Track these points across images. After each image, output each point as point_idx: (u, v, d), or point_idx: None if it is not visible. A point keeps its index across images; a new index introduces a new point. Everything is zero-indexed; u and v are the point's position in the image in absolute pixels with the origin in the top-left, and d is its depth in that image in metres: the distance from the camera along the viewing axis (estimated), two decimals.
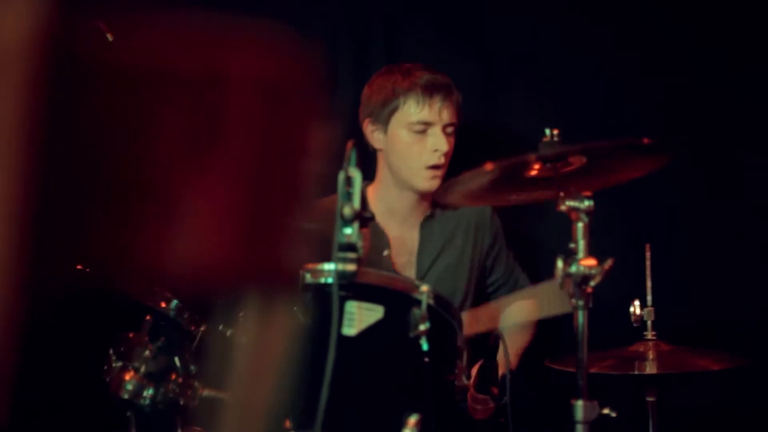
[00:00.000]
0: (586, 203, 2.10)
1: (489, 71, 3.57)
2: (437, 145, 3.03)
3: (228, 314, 2.24)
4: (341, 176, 1.98)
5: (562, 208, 2.11)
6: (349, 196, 1.98)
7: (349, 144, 2.01)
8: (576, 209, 2.10)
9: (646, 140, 2.11)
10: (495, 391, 2.43)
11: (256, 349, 2.10)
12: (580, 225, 2.10)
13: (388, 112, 3.07)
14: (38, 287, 1.59)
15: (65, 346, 2.26)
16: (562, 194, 2.10)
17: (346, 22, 3.57)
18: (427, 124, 3.04)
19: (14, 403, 1.65)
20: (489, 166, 2.11)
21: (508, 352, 2.43)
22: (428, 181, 3.06)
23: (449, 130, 3.07)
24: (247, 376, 2.12)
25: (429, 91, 3.04)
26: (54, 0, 1.54)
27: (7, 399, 1.64)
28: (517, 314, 3.25)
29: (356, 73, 3.52)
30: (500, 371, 2.53)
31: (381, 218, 3.16)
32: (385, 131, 3.10)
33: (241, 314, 2.24)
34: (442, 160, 3.04)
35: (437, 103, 3.04)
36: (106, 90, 1.61)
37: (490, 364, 2.48)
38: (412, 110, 3.04)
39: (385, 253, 3.12)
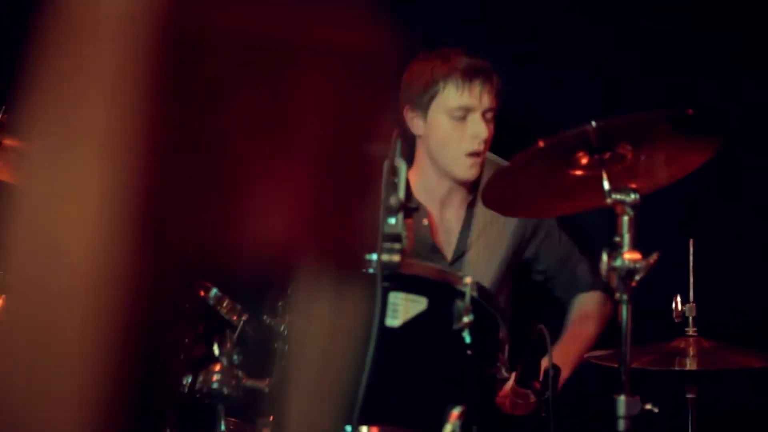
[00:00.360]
0: (633, 196, 2.08)
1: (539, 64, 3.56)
2: (477, 131, 3.01)
3: (273, 304, 2.24)
4: (386, 166, 1.97)
5: (608, 201, 2.09)
6: (394, 187, 1.97)
7: (395, 133, 2.00)
8: (622, 202, 2.08)
9: (689, 111, 2.09)
10: (537, 386, 2.41)
11: (327, 340, 2.08)
12: (626, 218, 2.08)
13: (428, 98, 3.05)
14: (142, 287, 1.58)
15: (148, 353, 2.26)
16: (608, 186, 2.09)
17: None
18: (468, 110, 3.02)
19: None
20: (541, 143, 2.10)
21: (551, 348, 2.40)
22: (468, 170, 3.05)
23: (489, 115, 3.05)
24: (291, 365, 2.11)
25: (469, 75, 3.01)
26: None
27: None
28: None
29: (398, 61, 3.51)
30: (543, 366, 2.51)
31: (420, 197, 3.14)
32: (425, 118, 3.08)
33: (280, 303, 2.23)
34: (482, 147, 3.03)
35: (477, 87, 3.01)
36: (203, 64, 1.59)
37: (533, 359, 2.46)
38: (452, 95, 3.02)
39: (425, 222, 3.11)
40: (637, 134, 2.17)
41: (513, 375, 2.39)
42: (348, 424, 1.93)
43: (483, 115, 3.03)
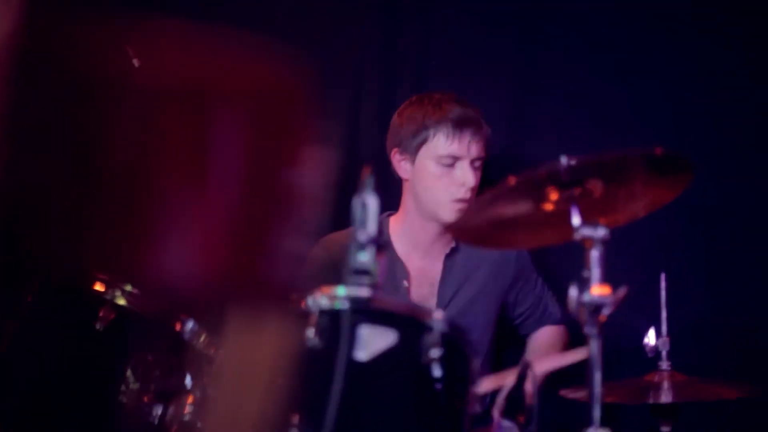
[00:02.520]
0: (601, 232, 2.10)
1: (514, 104, 3.60)
2: (465, 179, 3.05)
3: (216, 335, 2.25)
4: (357, 202, 1.99)
5: (577, 236, 2.12)
6: (363, 222, 1.99)
7: (366, 170, 2.02)
8: (591, 238, 2.11)
9: (658, 150, 2.12)
10: (521, 419, 2.42)
11: (240, 371, 2.10)
12: (595, 253, 2.10)
13: (417, 144, 3.09)
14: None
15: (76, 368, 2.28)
16: (577, 222, 2.11)
17: (374, 53, 3.61)
18: (456, 158, 3.05)
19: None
20: (512, 180, 2.12)
21: (536, 382, 2.42)
22: (454, 214, 3.07)
23: (477, 164, 3.09)
24: (232, 397, 2.12)
25: (459, 125, 3.05)
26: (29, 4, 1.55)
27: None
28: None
29: (382, 102, 3.55)
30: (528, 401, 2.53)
31: (404, 249, 3.18)
32: (413, 162, 3.11)
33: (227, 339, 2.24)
34: (468, 195, 3.05)
35: (467, 137, 3.05)
36: (108, 103, 1.63)
37: (518, 392, 2.47)
38: (442, 143, 3.05)
39: (405, 284, 3.13)
40: (607, 171, 2.19)
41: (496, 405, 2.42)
42: None
43: (471, 163, 3.06)
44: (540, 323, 3.34)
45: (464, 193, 3.05)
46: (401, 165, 3.15)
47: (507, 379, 3.01)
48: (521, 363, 2.43)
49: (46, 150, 1.59)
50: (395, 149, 3.15)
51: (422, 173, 3.10)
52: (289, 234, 1.93)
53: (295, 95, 1.85)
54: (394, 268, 3.14)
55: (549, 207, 2.24)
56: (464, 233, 2.53)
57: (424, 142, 3.08)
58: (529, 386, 2.46)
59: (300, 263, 1.99)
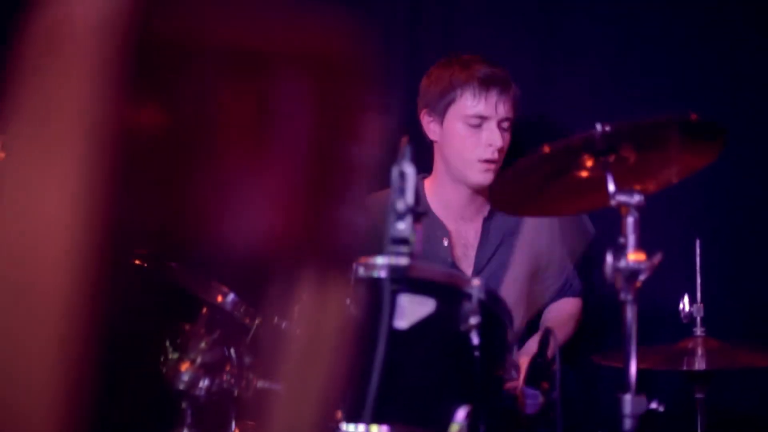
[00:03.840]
0: (636, 198, 2.11)
1: (543, 66, 3.59)
2: (492, 139, 3.05)
3: (283, 306, 2.28)
4: (395, 171, 2.01)
5: (613, 203, 2.13)
6: (402, 191, 2.01)
7: (404, 139, 2.04)
8: (626, 204, 2.12)
9: (693, 116, 2.12)
10: (545, 385, 2.44)
11: (309, 339, 2.13)
12: (630, 220, 2.11)
13: (445, 104, 3.10)
14: (111, 282, 1.63)
15: (124, 339, 2.31)
16: (612, 188, 2.13)
17: (402, 14, 3.61)
18: (483, 118, 3.06)
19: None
20: (547, 149, 2.13)
21: (558, 350, 2.44)
22: (481, 174, 3.09)
23: (505, 125, 3.09)
24: (300, 366, 2.15)
25: (486, 84, 3.05)
26: None
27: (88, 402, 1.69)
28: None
29: (410, 64, 3.56)
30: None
31: (440, 210, 3.19)
32: (441, 123, 3.12)
33: (296, 307, 2.28)
34: (495, 155, 3.07)
35: (494, 96, 3.06)
36: (176, 71, 1.65)
37: (541, 360, 2.49)
38: (469, 103, 3.06)
39: (445, 242, 3.15)
40: (640, 138, 2.20)
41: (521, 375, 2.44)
42: (358, 422, 1.97)
43: (499, 124, 3.07)
44: (561, 294, 3.34)
45: (491, 153, 3.06)
46: (430, 127, 3.16)
47: (529, 347, 3.05)
48: (543, 330, 2.44)
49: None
50: (424, 110, 3.16)
51: (450, 134, 3.11)
52: (348, 203, 1.95)
53: (356, 64, 1.87)
54: (434, 228, 3.15)
55: (584, 174, 2.25)
56: (500, 201, 2.54)
57: (451, 102, 3.09)
58: (551, 353, 2.49)
59: (358, 233, 2.01)
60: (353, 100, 1.92)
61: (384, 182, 2.03)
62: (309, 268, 2.06)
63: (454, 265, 3.14)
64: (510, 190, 2.38)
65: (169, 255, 2.30)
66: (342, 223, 1.98)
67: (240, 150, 1.72)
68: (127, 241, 1.83)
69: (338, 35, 1.89)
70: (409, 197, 1.99)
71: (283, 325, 2.32)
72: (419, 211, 2.00)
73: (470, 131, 3.07)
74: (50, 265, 1.58)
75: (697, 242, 2.78)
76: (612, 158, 2.20)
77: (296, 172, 1.82)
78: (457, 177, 3.15)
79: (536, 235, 3.25)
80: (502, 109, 3.07)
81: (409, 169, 2.00)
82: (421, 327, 2.03)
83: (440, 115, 3.12)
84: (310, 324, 2.11)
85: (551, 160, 2.23)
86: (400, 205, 1.99)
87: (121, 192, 1.58)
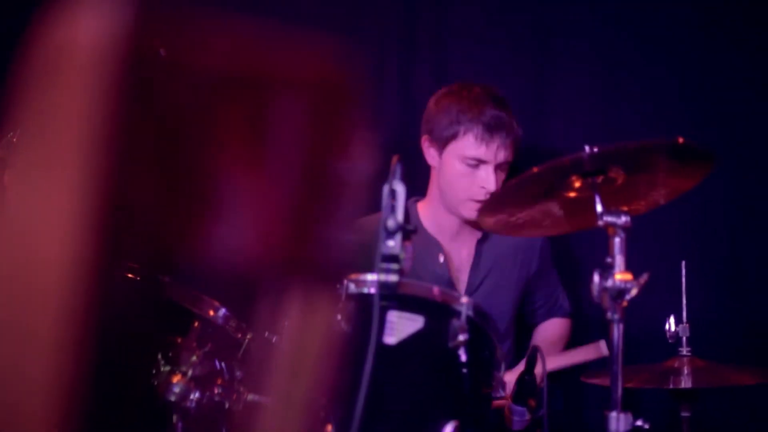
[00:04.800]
0: (624, 219, 2.14)
1: (536, 90, 3.63)
2: (486, 183, 3.04)
3: (272, 321, 2.31)
4: (386, 189, 2.04)
5: (600, 223, 2.16)
6: (392, 209, 2.04)
7: (395, 158, 2.07)
8: (613, 224, 2.15)
9: (680, 139, 2.16)
10: (532, 403, 2.47)
11: (296, 354, 2.16)
12: (617, 240, 2.14)
13: (447, 137, 3.08)
14: (104, 294, 1.66)
15: (116, 351, 2.33)
16: (600, 209, 2.16)
17: (393, 34, 3.64)
18: (481, 162, 3.05)
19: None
20: (535, 170, 2.17)
21: (546, 366, 2.47)
22: (472, 212, 3.09)
23: (503, 167, 3.10)
24: (288, 380, 2.18)
25: (490, 130, 3.03)
26: (131, 5, 1.62)
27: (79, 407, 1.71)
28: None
29: (403, 84, 3.59)
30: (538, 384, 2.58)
31: (434, 232, 3.22)
32: (440, 154, 3.13)
33: (285, 322, 2.30)
34: (488, 197, 3.04)
35: (496, 142, 3.04)
36: (170, 91, 1.68)
37: (529, 377, 2.52)
38: (470, 144, 3.04)
39: (441, 259, 3.17)
40: (628, 160, 2.24)
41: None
42: None
43: (496, 167, 3.06)
44: (549, 315, 3.37)
45: (484, 195, 3.05)
46: (430, 152, 3.16)
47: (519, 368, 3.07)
48: (530, 348, 2.47)
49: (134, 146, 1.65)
50: (426, 136, 3.16)
51: (447, 167, 3.11)
52: (337, 221, 1.98)
53: (346, 85, 1.90)
54: (429, 246, 3.18)
55: (572, 194, 2.29)
56: (490, 224, 2.56)
57: (453, 137, 3.07)
58: (538, 371, 2.52)
59: (348, 251, 2.04)
60: (343, 120, 1.95)
61: (377, 202, 2.05)
62: (298, 284, 2.09)
63: (450, 281, 3.16)
64: (499, 212, 2.41)
65: (161, 269, 2.33)
66: (331, 241, 2.01)
67: (231, 167, 1.75)
68: (120, 254, 1.86)
69: (329, 55, 1.92)
70: (399, 215, 2.02)
71: (273, 339, 2.34)
72: (409, 229, 2.04)
73: (467, 170, 3.07)
74: (48, 273, 1.61)
75: (683, 264, 2.81)
76: (600, 179, 2.23)
77: (286, 190, 1.85)
78: (448, 207, 3.17)
79: (528, 258, 3.28)
80: (502, 155, 3.06)
81: (400, 188, 2.03)
82: (410, 343, 2.07)
83: (441, 145, 3.11)
84: (298, 339, 2.13)
85: (540, 180, 2.26)
86: (391, 223, 2.02)
87: (115, 207, 1.61)
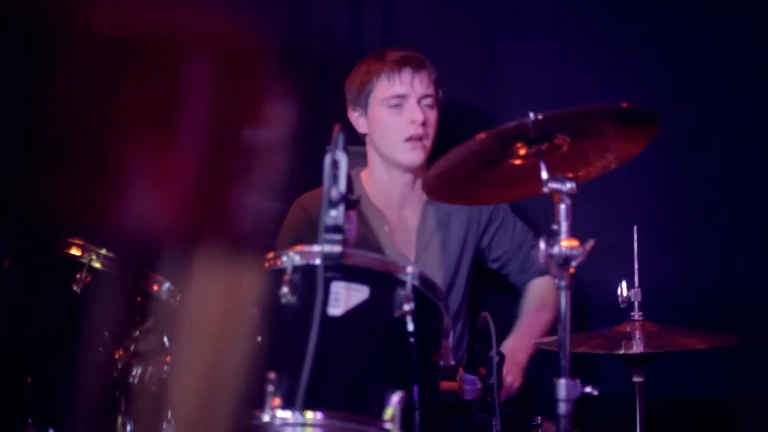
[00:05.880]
0: (569, 185, 2.14)
1: (484, 59, 3.61)
2: (413, 116, 3.11)
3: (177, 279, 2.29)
4: (328, 159, 2.02)
5: (545, 190, 2.15)
6: (335, 179, 2.02)
7: (336, 127, 2.05)
8: (559, 191, 2.14)
9: (624, 105, 2.15)
10: (482, 371, 2.46)
11: (197, 317, 2.14)
12: (563, 207, 2.14)
13: (366, 95, 3.18)
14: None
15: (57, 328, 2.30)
16: (545, 175, 2.15)
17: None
18: (401, 98, 3.13)
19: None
20: (481, 135, 2.15)
21: (495, 334, 2.46)
22: (409, 153, 3.14)
23: (426, 101, 3.15)
24: (188, 344, 2.16)
25: (399, 65, 3.14)
26: None
27: None
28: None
29: (351, 58, 3.57)
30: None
31: (381, 202, 3.22)
32: (366, 114, 3.19)
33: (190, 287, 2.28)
34: (420, 131, 3.12)
35: (408, 75, 3.13)
36: (72, 58, 1.64)
37: (479, 345, 2.51)
38: (385, 86, 3.14)
39: (386, 229, 3.17)
40: (574, 126, 2.22)
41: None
42: (292, 409, 1.98)
43: (419, 101, 3.13)
44: (525, 272, 3.35)
45: (415, 129, 3.11)
46: (359, 122, 3.22)
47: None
48: (480, 317, 2.46)
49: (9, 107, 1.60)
50: (350, 107, 3.24)
51: (375, 121, 3.17)
52: (252, 188, 1.95)
53: (260, 49, 1.86)
54: (374, 217, 3.18)
55: (518, 162, 2.28)
56: (436, 191, 2.56)
57: (371, 91, 3.16)
58: (488, 339, 2.51)
59: (264, 218, 2.01)
60: (256, 82, 1.92)
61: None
62: (205, 249, 2.06)
63: (397, 252, 3.16)
64: (444, 179, 2.39)
65: (99, 244, 2.30)
66: (244, 207, 1.98)
67: (137, 135, 1.71)
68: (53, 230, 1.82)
69: (241, 18, 1.88)
70: (342, 185, 2.01)
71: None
72: (352, 199, 2.02)
73: (392, 112, 3.14)
74: None
75: (635, 228, 2.80)
76: (545, 146, 2.22)
77: (195, 156, 1.81)
78: (389, 162, 3.19)
79: (476, 213, 3.27)
80: (419, 86, 3.13)
81: (342, 157, 2.02)
82: (355, 314, 2.05)
83: (364, 106, 3.19)
84: (201, 304, 2.11)
85: (486, 148, 2.25)
86: (333, 193, 2.00)
87: (31, 182, 1.58)
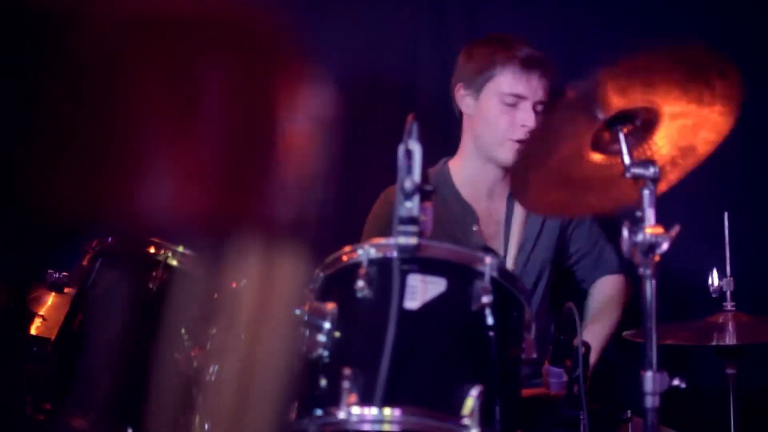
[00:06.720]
0: (652, 170, 2.07)
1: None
2: (526, 121, 3.05)
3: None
4: (401, 149, 1.98)
5: (627, 175, 2.08)
6: (409, 170, 1.97)
7: (410, 117, 2.00)
8: (642, 176, 2.07)
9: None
10: (569, 363, 2.41)
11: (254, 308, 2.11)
12: (647, 192, 2.07)
13: (483, 80, 3.10)
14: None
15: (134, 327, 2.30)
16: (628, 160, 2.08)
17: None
18: (520, 98, 3.05)
19: None
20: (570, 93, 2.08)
21: (581, 324, 2.40)
22: (510, 153, 3.09)
23: (539, 107, 3.08)
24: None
25: (528, 65, 3.06)
26: None
27: None
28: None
29: (435, 44, 3.54)
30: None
31: (467, 191, 3.19)
32: (477, 98, 3.12)
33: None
34: (527, 137, 3.03)
35: (534, 79, 3.06)
36: (85, 38, 1.60)
37: (564, 337, 2.45)
38: (508, 81, 3.06)
39: (474, 228, 3.13)
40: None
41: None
42: (370, 405, 1.93)
43: (534, 105, 3.06)
44: (596, 269, 3.31)
45: (523, 134, 3.05)
46: (464, 100, 3.17)
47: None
48: (565, 307, 2.40)
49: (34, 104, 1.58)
50: (459, 84, 3.17)
51: (484, 110, 3.11)
52: (283, 175, 1.89)
53: (287, 31, 1.81)
54: (463, 213, 3.15)
55: (600, 157, 2.21)
56: (535, 204, 2.50)
57: (489, 78, 3.09)
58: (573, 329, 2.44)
59: (300, 205, 1.96)
60: (283, 65, 1.86)
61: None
62: (248, 239, 2.02)
63: (488, 249, 3.11)
64: (531, 189, 2.33)
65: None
66: (280, 196, 1.92)
67: (156, 123, 1.67)
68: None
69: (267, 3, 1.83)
70: (416, 175, 1.96)
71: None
72: (427, 189, 1.97)
73: (505, 109, 3.07)
74: None
75: (726, 215, 2.72)
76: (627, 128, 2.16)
77: (219, 144, 1.76)
78: (485, 153, 3.14)
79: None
80: (540, 92, 3.07)
81: (416, 147, 1.97)
82: (432, 307, 1.99)
83: (477, 90, 3.12)
84: (255, 295, 2.07)
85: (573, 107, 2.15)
86: (408, 184, 1.96)
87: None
